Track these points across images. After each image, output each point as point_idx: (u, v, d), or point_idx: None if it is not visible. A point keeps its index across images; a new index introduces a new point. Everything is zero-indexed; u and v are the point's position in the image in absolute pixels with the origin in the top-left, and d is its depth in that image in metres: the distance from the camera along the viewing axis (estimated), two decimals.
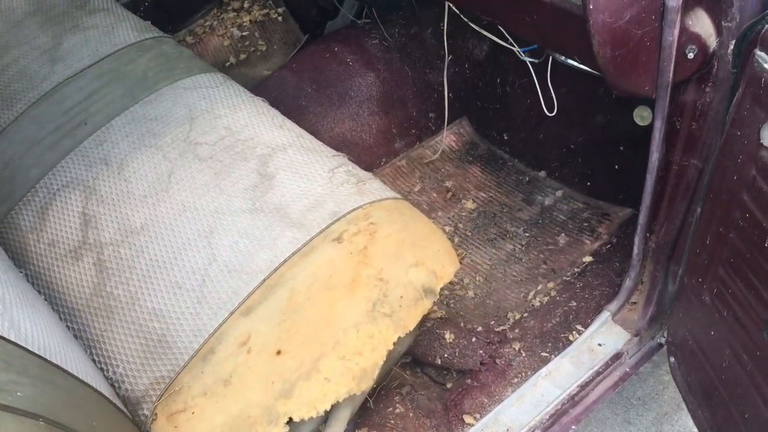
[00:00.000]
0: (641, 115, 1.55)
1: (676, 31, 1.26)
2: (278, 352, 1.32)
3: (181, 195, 1.56)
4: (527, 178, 2.21)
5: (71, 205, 1.62)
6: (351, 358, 1.31)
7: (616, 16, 1.24)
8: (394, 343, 1.35)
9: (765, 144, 0.91)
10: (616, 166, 2.04)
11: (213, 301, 1.39)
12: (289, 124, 1.72)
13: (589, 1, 1.21)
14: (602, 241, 1.95)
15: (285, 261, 1.40)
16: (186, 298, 1.41)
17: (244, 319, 1.36)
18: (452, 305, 1.87)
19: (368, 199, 1.49)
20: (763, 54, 1.03)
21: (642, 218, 1.58)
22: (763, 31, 1.04)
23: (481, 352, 1.64)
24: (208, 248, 1.46)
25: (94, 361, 1.43)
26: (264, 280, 1.39)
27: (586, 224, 2.02)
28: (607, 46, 1.27)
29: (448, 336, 1.68)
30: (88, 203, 1.61)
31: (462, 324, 1.78)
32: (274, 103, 2.17)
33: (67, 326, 1.49)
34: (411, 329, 1.36)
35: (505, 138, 2.29)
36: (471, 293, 1.90)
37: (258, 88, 2.26)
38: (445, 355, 1.66)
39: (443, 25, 2.15)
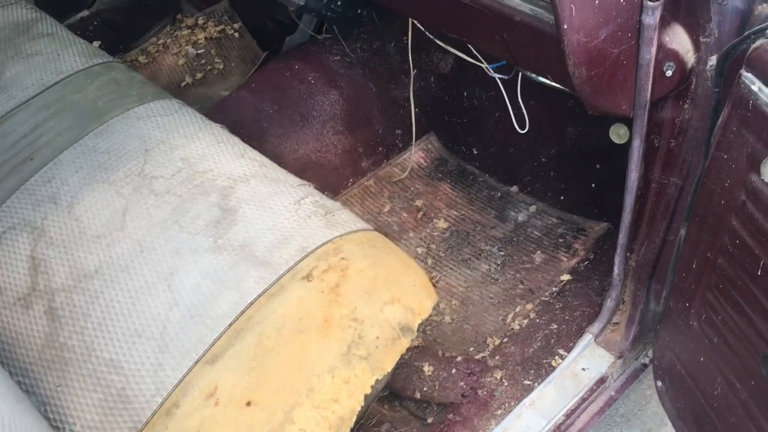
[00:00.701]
0: (618, 133, 1.50)
1: (654, 49, 1.21)
2: (248, 403, 1.23)
3: (137, 234, 1.46)
4: (499, 194, 2.15)
5: (18, 248, 1.51)
6: (327, 407, 1.23)
7: (592, 36, 1.18)
8: (372, 386, 1.27)
9: (766, 180, 0.86)
10: (590, 180, 2.00)
11: (176, 349, 1.30)
12: (251, 152, 1.63)
13: (563, 21, 1.15)
14: (579, 258, 1.89)
15: (252, 303, 1.32)
16: (146, 348, 1.31)
17: (210, 368, 1.27)
18: (429, 332, 1.79)
19: (338, 231, 1.41)
20: (750, 75, 0.98)
21: (622, 238, 1.52)
22: (749, 51, 0.99)
23: (461, 383, 1.57)
24: (168, 291, 1.37)
25: (48, 419, 1.33)
26: (230, 324, 1.30)
27: (561, 240, 1.97)
28: (583, 67, 1.22)
29: (427, 368, 1.61)
30: (36, 246, 1.50)
31: (440, 352, 1.71)
32: (234, 126, 2.08)
33: (18, 381, 1.38)
34: (389, 371, 1.28)
35: (475, 153, 2.23)
36: (447, 318, 1.83)
37: (216, 110, 2.17)
38: (425, 389, 1.58)
39: (407, 39, 2.08)
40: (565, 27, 1.16)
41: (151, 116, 1.70)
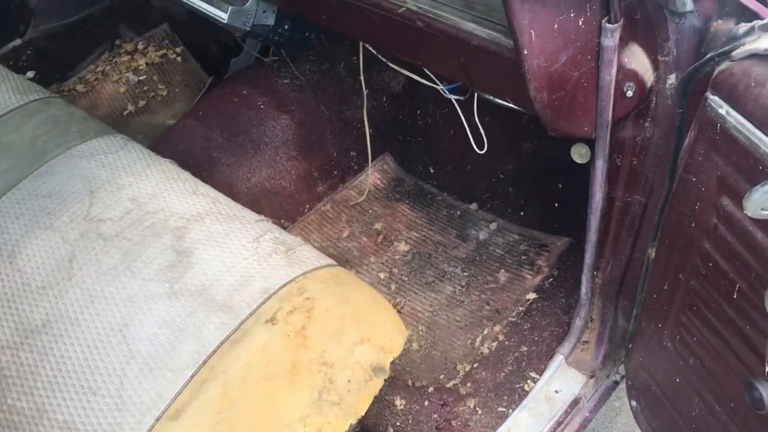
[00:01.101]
0: (579, 153, 1.48)
1: (614, 70, 1.19)
2: None
3: (86, 283, 1.38)
4: (459, 212, 2.12)
5: None
6: None
7: (552, 60, 1.16)
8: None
9: (748, 214, 0.84)
10: (549, 195, 1.99)
11: (134, 407, 1.22)
12: (203, 187, 1.56)
13: (522, 46, 1.12)
14: (544, 275, 1.88)
15: (214, 351, 1.25)
16: (102, 406, 1.23)
17: (174, 424, 1.20)
18: (397, 361, 1.74)
19: (300, 270, 1.35)
20: (716, 98, 0.97)
21: (588, 258, 1.51)
22: (715, 74, 0.98)
23: (435, 416, 1.53)
24: (123, 344, 1.29)
25: None
26: (192, 376, 1.23)
27: (524, 257, 1.95)
28: (545, 91, 1.19)
29: (399, 401, 1.57)
30: None
31: (410, 382, 1.66)
32: (183, 157, 2.01)
33: None
34: (363, 414, 1.23)
35: (432, 171, 2.20)
36: (415, 345, 1.79)
37: (162, 140, 2.08)
38: (398, 424, 1.54)
39: (356, 59, 2.04)
40: (525, 52, 1.13)
41: (95, 154, 1.62)
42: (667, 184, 1.22)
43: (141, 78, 2.59)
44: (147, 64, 2.63)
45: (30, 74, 2.61)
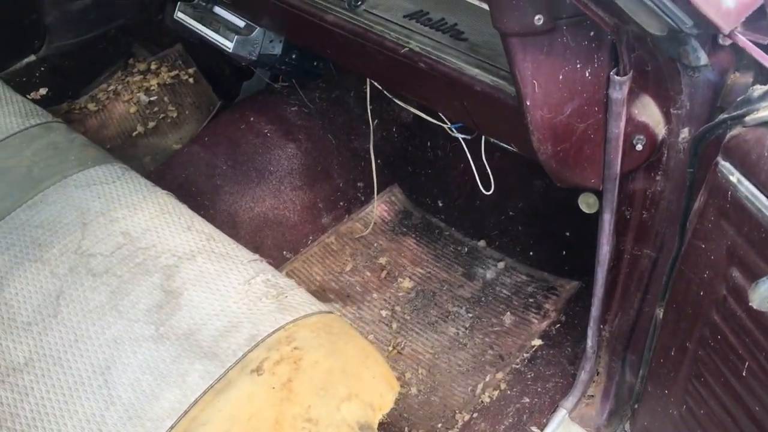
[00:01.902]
0: (587, 203, 1.42)
1: (622, 123, 1.13)
2: None
3: (72, 321, 1.34)
4: (466, 249, 2.06)
5: None
6: None
7: (556, 111, 1.10)
8: None
9: (754, 306, 0.78)
10: (560, 236, 1.92)
11: None
12: (199, 223, 1.52)
13: (525, 97, 1.07)
14: (550, 320, 1.81)
15: (196, 401, 1.20)
16: None
17: None
18: (394, 406, 1.68)
19: (291, 316, 1.30)
20: (727, 164, 0.90)
21: (595, 310, 1.44)
22: (726, 138, 0.91)
23: None
24: (104, 388, 1.25)
25: None
26: (172, 426, 1.18)
27: (531, 300, 1.88)
28: (548, 142, 1.14)
29: None
30: None
31: (406, 430, 1.60)
32: (186, 183, 1.97)
33: None
34: None
35: (440, 205, 2.15)
36: (414, 390, 1.73)
37: (167, 165, 2.06)
38: None
39: (366, 89, 1.99)
40: (528, 103, 1.08)
41: (91, 184, 1.58)
42: (677, 244, 1.15)
43: (152, 99, 2.57)
44: (159, 84, 2.61)
45: (42, 91, 2.61)
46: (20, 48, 2.63)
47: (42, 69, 2.65)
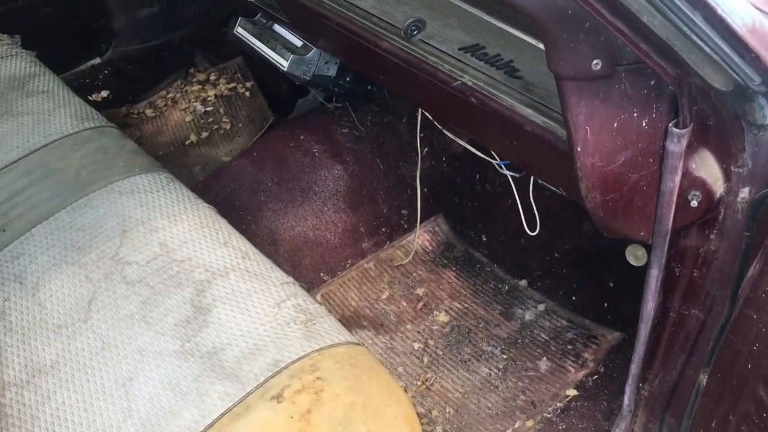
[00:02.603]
0: (635, 255, 1.36)
1: (678, 177, 1.07)
2: None
3: (101, 327, 1.34)
4: (506, 287, 2.00)
5: None
6: None
7: (608, 160, 1.05)
8: None
9: None
10: (605, 283, 1.85)
11: None
12: (236, 239, 1.51)
13: (576, 143, 1.02)
14: (588, 370, 1.74)
15: (212, 423, 1.18)
16: None
17: None
18: None
19: (317, 344, 1.27)
20: None
21: (634, 367, 1.37)
22: None
23: None
24: (124, 399, 1.24)
25: None
26: None
27: (570, 347, 1.81)
28: (597, 191, 1.09)
29: None
30: None
31: None
32: (230, 197, 1.98)
33: None
34: None
35: (484, 240, 2.10)
36: (439, 429, 1.68)
37: (214, 177, 2.07)
38: None
39: (418, 116, 1.97)
40: (579, 149, 1.03)
41: (135, 192, 1.59)
42: (727, 309, 1.08)
43: (208, 109, 2.60)
44: (216, 95, 2.64)
45: (104, 93, 2.67)
46: (87, 51, 2.70)
47: (105, 72, 2.71)
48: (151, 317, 1.34)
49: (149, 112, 2.64)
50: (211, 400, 1.21)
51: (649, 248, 1.24)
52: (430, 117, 1.74)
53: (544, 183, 1.57)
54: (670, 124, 1.02)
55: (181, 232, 1.50)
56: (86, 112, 1.84)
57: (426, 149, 2.08)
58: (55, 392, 1.28)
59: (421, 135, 1.98)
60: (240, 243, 1.51)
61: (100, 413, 1.23)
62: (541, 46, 1.22)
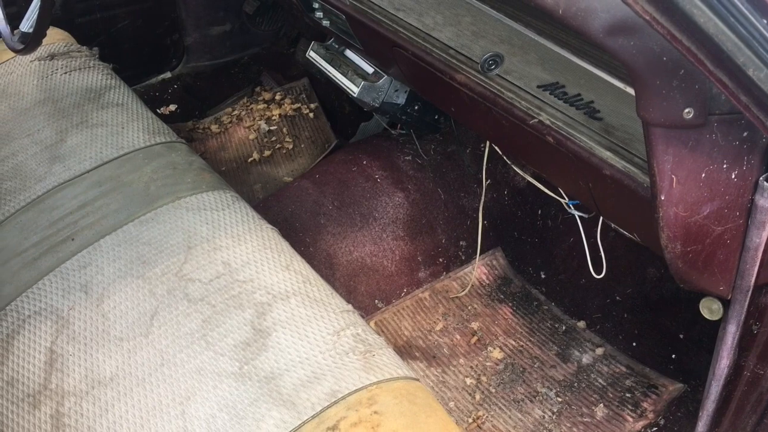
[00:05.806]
0: (710, 308, 1.30)
1: (765, 233, 1.03)
2: None
3: (161, 343, 1.35)
4: (564, 327, 1.96)
5: (40, 337, 1.42)
6: None
7: (692, 211, 1.01)
8: None
9: None
10: (668, 331, 1.79)
11: None
12: (298, 263, 1.51)
13: (660, 191, 0.99)
14: (647, 422, 1.67)
15: None
16: None
17: None
18: None
19: (375, 377, 1.25)
20: None
21: (702, 425, 1.31)
22: None
23: None
24: (180, 419, 1.24)
25: None
26: None
27: (629, 395, 1.75)
28: (678, 241, 1.05)
29: None
30: (58, 338, 1.41)
31: None
32: (290, 218, 1.98)
33: None
34: None
35: (543, 277, 2.06)
36: None
37: (275, 197, 2.08)
38: None
39: (484, 147, 1.95)
40: (663, 198, 1.00)
41: (201, 209, 1.61)
42: None
43: (272, 128, 2.63)
44: (280, 115, 2.67)
45: (172, 107, 2.73)
46: (159, 65, 2.77)
47: (175, 86, 2.78)
48: (212, 336, 1.34)
49: (214, 127, 2.68)
50: (266, 426, 1.20)
51: (725, 302, 1.19)
52: (499, 150, 1.72)
53: (617, 227, 1.53)
54: (761, 178, 0.99)
55: (244, 253, 1.50)
56: (158, 127, 1.88)
57: (489, 181, 2.05)
58: (113, 405, 1.29)
59: (486, 167, 1.96)
60: (301, 267, 1.51)
61: (155, 431, 1.23)
62: (627, 88, 1.20)
